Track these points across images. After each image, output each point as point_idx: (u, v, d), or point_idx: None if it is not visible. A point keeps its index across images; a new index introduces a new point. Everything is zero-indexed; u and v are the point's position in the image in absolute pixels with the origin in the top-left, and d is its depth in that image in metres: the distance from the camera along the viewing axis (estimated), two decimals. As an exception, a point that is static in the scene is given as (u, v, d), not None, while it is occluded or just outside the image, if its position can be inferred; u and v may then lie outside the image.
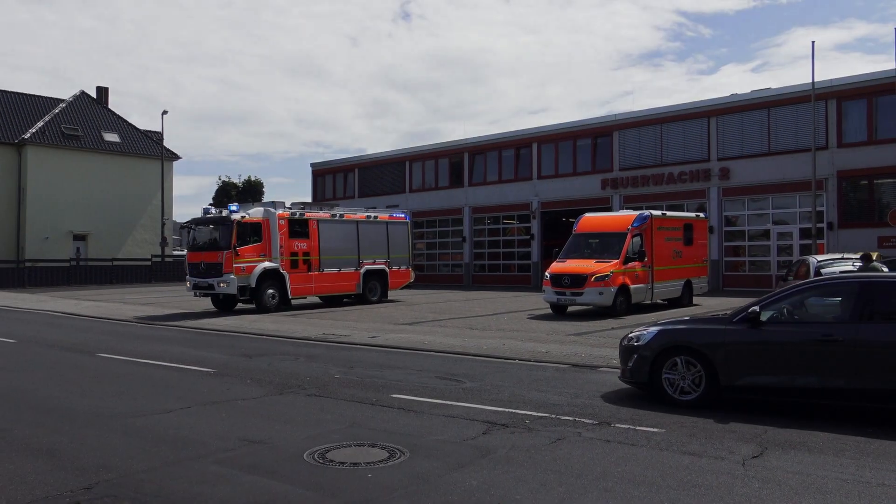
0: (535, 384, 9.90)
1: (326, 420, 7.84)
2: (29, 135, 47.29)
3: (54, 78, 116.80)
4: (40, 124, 48.71)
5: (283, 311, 22.13)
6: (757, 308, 8.16)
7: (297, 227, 23.16)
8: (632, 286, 19.73)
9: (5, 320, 21.58)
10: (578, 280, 19.14)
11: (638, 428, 7.35)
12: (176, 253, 53.69)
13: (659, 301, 21.71)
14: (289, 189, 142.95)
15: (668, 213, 23.17)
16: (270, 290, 22.24)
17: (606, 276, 19.04)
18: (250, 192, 66.57)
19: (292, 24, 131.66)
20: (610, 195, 35.61)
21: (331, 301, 25.26)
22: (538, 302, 22.78)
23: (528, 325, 17.35)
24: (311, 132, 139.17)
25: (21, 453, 6.54)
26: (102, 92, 55.81)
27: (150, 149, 52.11)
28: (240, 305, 22.81)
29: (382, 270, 25.89)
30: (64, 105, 51.81)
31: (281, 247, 22.42)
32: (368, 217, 26.02)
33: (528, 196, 39.12)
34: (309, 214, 23.77)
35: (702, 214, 25.28)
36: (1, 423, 7.78)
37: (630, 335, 9.18)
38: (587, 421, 7.69)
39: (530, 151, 39.59)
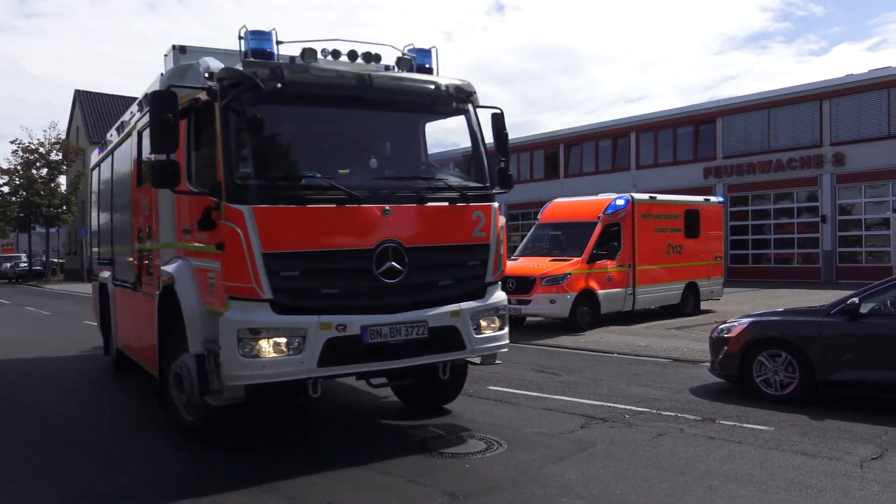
0: (634, 378, 9.70)
1: (424, 410, 7.93)
2: (145, 136, 50.31)
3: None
4: (155, 126, 51.72)
5: None
6: (856, 300, 7.71)
7: None
8: (600, 291, 15.17)
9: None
10: (525, 284, 14.65)
11: (745, 425, 7.06)
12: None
13: (652, 308, 17.00)
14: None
15: (660, 197, 17.84)
16: None
17: (560, 278, 14.65)
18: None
19: (389, 21, 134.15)
20: (713, 184, 34.30)
21: None
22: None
23: (625, 318, 16.92)
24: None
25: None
26: (211, 94, 58.72)
27: (254, 147, 54.40)
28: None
29: None
30: (176, 107, 54.85)
31: None
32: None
33: (625, 186, 38.02)
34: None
35: (713, 199, 20.19)
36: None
37: (721, 327, 8.93)
38: (690, 417, 7.46)
39: (628, 141, 38.65)
